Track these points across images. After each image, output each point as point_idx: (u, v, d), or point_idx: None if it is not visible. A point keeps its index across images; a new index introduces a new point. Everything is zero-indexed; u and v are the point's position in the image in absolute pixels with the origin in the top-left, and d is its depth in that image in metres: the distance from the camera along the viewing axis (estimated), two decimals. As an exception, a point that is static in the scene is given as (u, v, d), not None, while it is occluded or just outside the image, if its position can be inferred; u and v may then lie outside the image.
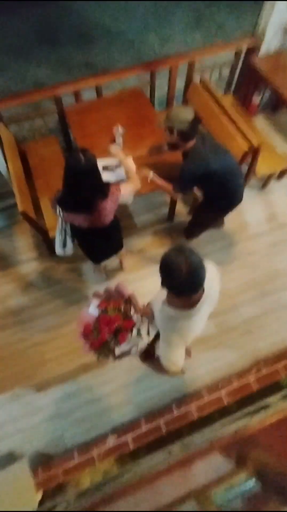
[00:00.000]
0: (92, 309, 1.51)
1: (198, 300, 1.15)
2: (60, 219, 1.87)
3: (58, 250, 2.06)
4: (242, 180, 2.19)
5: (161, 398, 2.29)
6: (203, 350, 2.44)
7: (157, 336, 1.55)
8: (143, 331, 1.42)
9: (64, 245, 2.02)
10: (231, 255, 2.83)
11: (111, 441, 2.04)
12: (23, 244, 2.84)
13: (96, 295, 1.60)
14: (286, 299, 2.64)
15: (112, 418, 2.24)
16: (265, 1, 2.71)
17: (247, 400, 2.03)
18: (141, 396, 2.30)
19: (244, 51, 2.98)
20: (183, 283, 1.03)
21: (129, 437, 2.04)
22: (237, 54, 2.98)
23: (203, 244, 2.83)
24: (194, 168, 1.95)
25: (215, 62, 3.04)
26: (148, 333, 1.45)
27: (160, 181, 2.17)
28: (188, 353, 1.37)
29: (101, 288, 1.80)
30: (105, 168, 2.24)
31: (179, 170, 2.00)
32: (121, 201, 1.77)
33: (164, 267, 1.07)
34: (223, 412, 1.99)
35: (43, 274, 2.72)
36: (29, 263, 2.76)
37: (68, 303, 2.60)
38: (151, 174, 2.15)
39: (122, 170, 2.14)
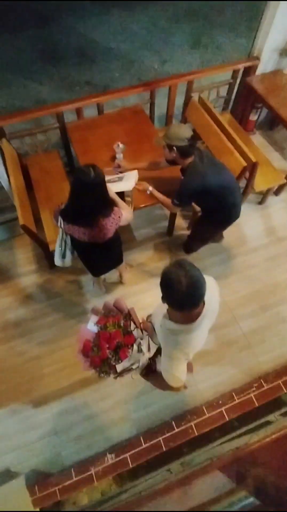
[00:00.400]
0: (91, 326, 1.50)
1: (199, 314, 1.16)
2: (61, 231, 1.90)
3: (57, 261, 2.08)
4: (239, 196, 2.23)
5: (161, 415, 2.25)
6: (203, 364, 2.41)
7: (158, 351, 1.55)
8: (144, 347, 1.41)
9: (63, 256, 2.04)
10: (231, 268, 2.85)
11: (110, 459, 2.00)
12: (23, 257, 2.85)
13: (94, 311, 1.59)
14: (286, 313, 2.64)
15: (111, 435, 2.19)
16: (261, 25, 2.82)
17: (249, 416, 2.01)
18: (140, 412, 2.27)
19: (241, 71, 3.08)
20: (183, 297, 1.04)
21: (128, 455, 2.00)
22: (235, 74, 3.09)
23: (202, 257, 2.85)
24: (192, 185, 1.99)
25: (213, 81, 3.14)
26: (149, 349, 1.44)
27: (159, 195, 2.21)
28: (190, 368, 1.36)
29: (100, 302, 1.80)
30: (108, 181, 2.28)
31: (178, 186, 2.03)
32: (122, 223, 1.80)
33: (164, 282, 1.08)
34: (224, 429, 1.96)
35: (42, 287, 2.71)
36: (28, 276, 2.76)
37: (67, 317, 2.59)
38: (150, 188, 2.20)
39: (126, 182, 2.19)
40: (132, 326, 1.42)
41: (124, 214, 1.79)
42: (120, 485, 1.88)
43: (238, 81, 3.16)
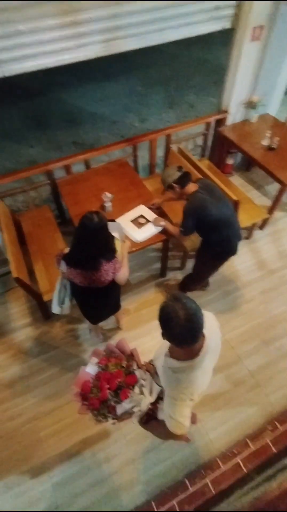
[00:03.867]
0: (90, 368, 1.43)
1: (200, 349, 1.13)
2: (60, 277, 1.92)
3: (55, 308, 2.06)
4: (236, 231, 2.26)
5: (173, 472, 2.05)
6: (212, 410, 2.27)
7: (159, 398, 1.46)
8: (146, 389, 1.33)
9: (63, 302, 2.02)
10: (227, 305, 2.83)
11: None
12: (17, 311, 2.79)
13: (95, 353, 1.53)
14: (289, 346, 2.58)
15: (119, 504, 1.96)
16: (225, 85, 3.19)
17: (266, 463, 1.84)
18: (150, 472, 2.06)
19: (213, 123, 3.40)
20: (183, 330, 1.02)
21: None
22: (207, 126, 3.40)
23: (197, 296, 2.84)
24: (191, 208, 2.08)
25: (189, 133, 3.44)
26: (151, 393, 1.36)
27: (170, 227, 2.38)
28: (193, 419, 1.26)
29: (98, 349, 1.74)
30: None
31: (182, 213, 2.14)
32: (117, 278, 1.84)
33: (163, 317, 1.07)
34: (241, 480, 1.78)
35: (38, 340, 2.62)
36: (23, 329, 2.68)
37: (64, 370, 2.47)
38: (162, 223, 2.43)
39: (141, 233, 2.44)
40: (135, 366, 1.35)
41: (122, 269, 1.86)
42: None
43: (211, 131, 3.47)
